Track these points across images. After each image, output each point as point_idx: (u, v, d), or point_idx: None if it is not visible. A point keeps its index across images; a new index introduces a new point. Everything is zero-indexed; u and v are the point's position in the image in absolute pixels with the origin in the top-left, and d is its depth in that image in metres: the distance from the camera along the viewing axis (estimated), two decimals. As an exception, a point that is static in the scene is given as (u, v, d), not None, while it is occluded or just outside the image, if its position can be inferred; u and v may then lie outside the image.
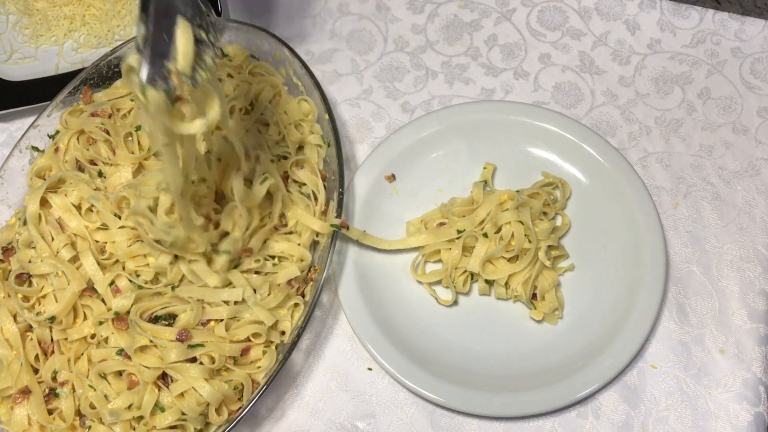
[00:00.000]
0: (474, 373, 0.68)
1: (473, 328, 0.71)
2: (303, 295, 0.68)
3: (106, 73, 0.79)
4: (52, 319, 0.65)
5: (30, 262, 0.67)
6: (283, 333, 0.67)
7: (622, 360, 0.66)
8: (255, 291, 0.66)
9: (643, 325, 0.67)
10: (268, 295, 0.66)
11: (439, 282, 0.72)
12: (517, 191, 0.73)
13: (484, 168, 0.76)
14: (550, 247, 0.70)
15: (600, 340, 0.68)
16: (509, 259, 0.69)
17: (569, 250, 0.73)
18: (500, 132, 0.77)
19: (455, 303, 0.72)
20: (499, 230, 0.70)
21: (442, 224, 0.73)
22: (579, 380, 0.66)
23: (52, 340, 0.67)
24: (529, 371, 0.68)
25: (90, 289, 0.67)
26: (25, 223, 0.69)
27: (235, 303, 0.65)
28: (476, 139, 0.77)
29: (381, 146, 0.76)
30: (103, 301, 0.67)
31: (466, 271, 0.70)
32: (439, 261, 0.73)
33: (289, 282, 0.68)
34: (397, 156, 0.76)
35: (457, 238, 0.70)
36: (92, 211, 0.70)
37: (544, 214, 0.72)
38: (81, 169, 0.74)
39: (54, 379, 0.66)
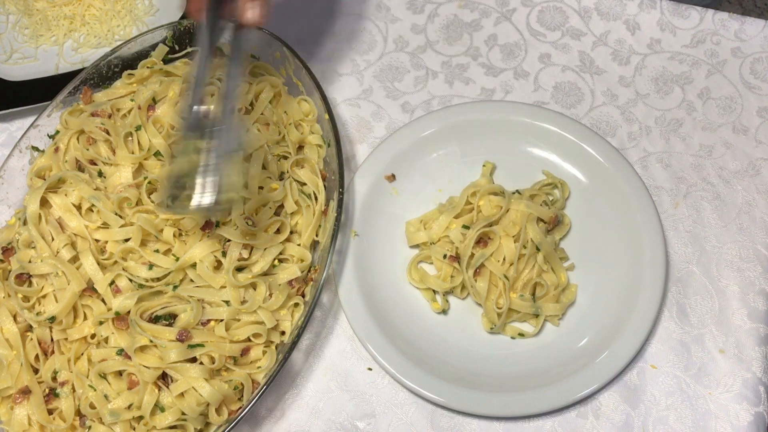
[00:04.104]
0: (474, 373, 0.68)
1: (473, 329, 0.71)
2: (303, 295, 0.68)
3: (106, 73, 0.79)
4: (52, 319, 0.65)
5: (30, 262, 0.67)
6: (283, 333, 0.67)
7: (622, 360, 0.66)
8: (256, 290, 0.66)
9: (643, 325, 0.67)
10: (270, 296, 0.66)
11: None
12: (517, 191, 0.73)
13: (483, 167, 0.76)
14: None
15: (600, 340, 0.68)
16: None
17: (569, 251, 0.73)
18: (500, 132, 0.77)
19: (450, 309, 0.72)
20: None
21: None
22: (579, 380, 0.66)
23: (52, 340, 0.67)
24: (529, 371, 0.68)
25: (90, 289, 0.67)
26: (25, 223, 0.69)
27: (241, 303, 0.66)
28: (476, 139, 0.77)
29: (381, 146, 0.76)
30: (103, 301, 0.67)
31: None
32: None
33: (289, 282, 0.68)
34: (397, 156, 0.76)
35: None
36: (92, 211, 0.70)
37: (543, 222, 0.72)
38: (81, 169, 0.74)
39: (54, 379, 0.65)
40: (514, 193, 0.73)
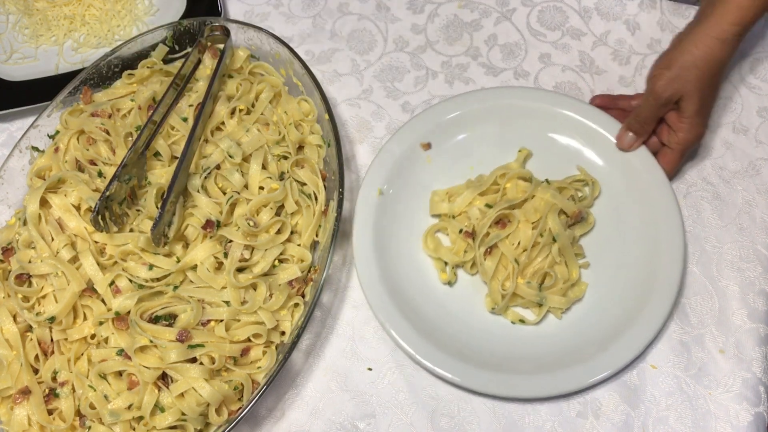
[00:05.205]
0: (473, 349, 0.68)
1: (476, 306, 0.71)
2: (303, 296, 0.68)
3: (106, 73, 0.79)
4: (52, 319, 0.65)
5: (30, 262, 0.67)
6: (283, 333, 0.67)
7: (622, 359, 0.66)
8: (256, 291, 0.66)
9: (648, 329, 0.67)
10: (270, 296, 0.66)
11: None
12: (546, 180, 0.73)
13: (519, 152, 0.76)
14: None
15: (600, 340, 0.68)
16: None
17: (588, 249, 0.73)
18: (545, 123, 0.77)
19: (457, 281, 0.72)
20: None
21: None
22: (572, 374, 0.65)
23: (52, 340, 0.67)
24: (527, 355, 0.68)
25: (90, 289, 0.67)
26: (25, 223, 0.69)
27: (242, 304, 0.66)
28: (519, 124, 0.77)
29: (423, 113, 0.76)
30: (103, 301, 0.67)
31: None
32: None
33: (289, 282, 0.68)
34: (438, 126, 0.76)
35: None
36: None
37: (565, 215, 0.71)
38: (81, 169, 0.74)
39: (54, 379, 0.66)
40: (543, 182, 0.73)
